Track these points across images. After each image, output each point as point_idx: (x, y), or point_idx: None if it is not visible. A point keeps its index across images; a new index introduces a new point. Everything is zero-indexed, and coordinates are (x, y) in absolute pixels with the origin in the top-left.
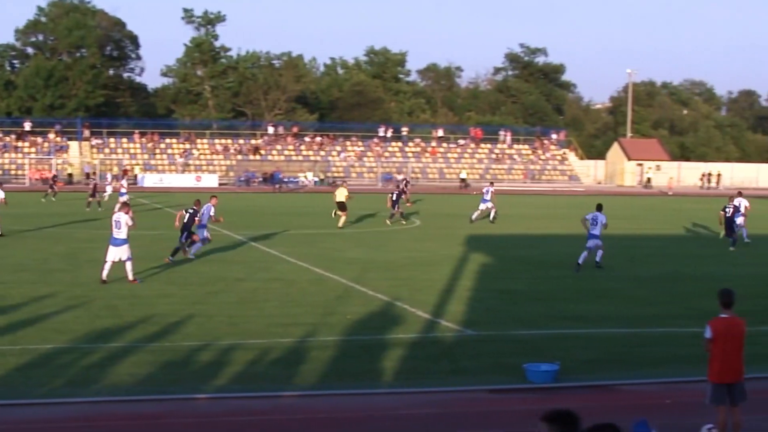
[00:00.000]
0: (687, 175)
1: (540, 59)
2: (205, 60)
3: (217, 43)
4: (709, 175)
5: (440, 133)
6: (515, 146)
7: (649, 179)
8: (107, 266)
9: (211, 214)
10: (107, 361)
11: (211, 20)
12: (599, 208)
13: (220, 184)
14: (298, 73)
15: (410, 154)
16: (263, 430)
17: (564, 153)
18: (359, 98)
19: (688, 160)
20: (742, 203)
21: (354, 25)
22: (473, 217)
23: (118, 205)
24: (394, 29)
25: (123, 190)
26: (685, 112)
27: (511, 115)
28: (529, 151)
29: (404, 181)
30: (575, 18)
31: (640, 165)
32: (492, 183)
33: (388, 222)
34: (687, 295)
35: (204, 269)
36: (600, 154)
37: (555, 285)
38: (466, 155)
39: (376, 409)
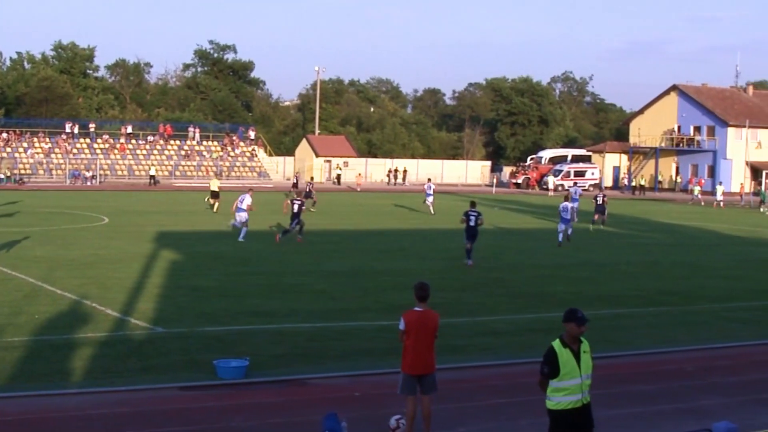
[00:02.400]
0: (374, 171)
1: (229, 56)
2: None
3: None
4: (396, 171)
5: (129, 129)
6: (205, 143)
7: (338, 175)
8: None
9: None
10: None
11: None
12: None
13: None
14: None
15: (99, 151)
16: None
17: (253, 149)
18: (46, 94)
19: (375, 156)
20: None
21: (41, 19)
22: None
23: None
24: (82, 24)
25: None
26: (372, 109)
27: (201, 111)
28: (219, 148)
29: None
30: (264, 15)
31: (329, 161)
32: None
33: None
34: (373, 289)
35: None
36: (289, 151)
37: (244, 281)
38: (156, 152)
39: (66, 410)
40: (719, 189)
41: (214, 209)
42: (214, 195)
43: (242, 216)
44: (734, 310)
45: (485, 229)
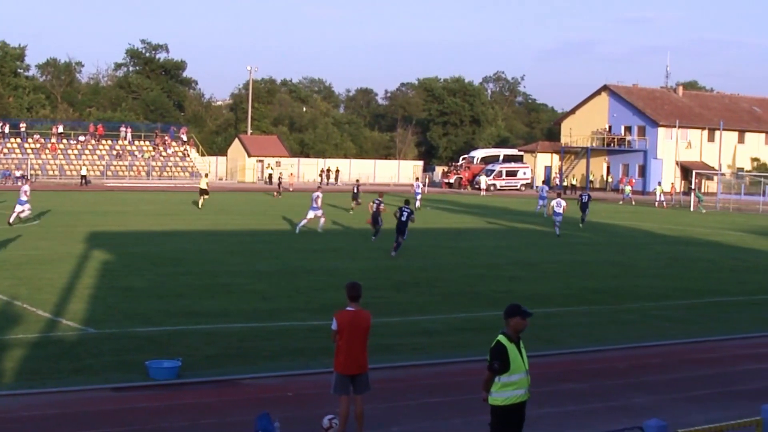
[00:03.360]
0: (307, 170)
1: (161, 55)
2: None
3: None
4: (328, 170)
5: (60, 129)
6: (136, 143)
7: (270, 175)
8: None
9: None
10: None
11: None
12: None
13: None
14: None
15: (29, 151)
16: None
17: (185, 149)
18: None
19: (307, 156)
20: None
21: None
22: (300, 225)
23: None
24: (13, 23)
25: None
26: (304, 109)
27: (132, 111)
28: (151, 148)
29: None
30: (197, 15)
31: (261, 161)
32: (319, 187)
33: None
34: (306, 289)
35: None
36: (221, 151)
37: (176, 281)
38: (87, 152)
39: None
40: (658, 189)
41: (200, 206)
42: (203, 192)
43: (316, 213)
44: (664, 308)
45: (419, 229)
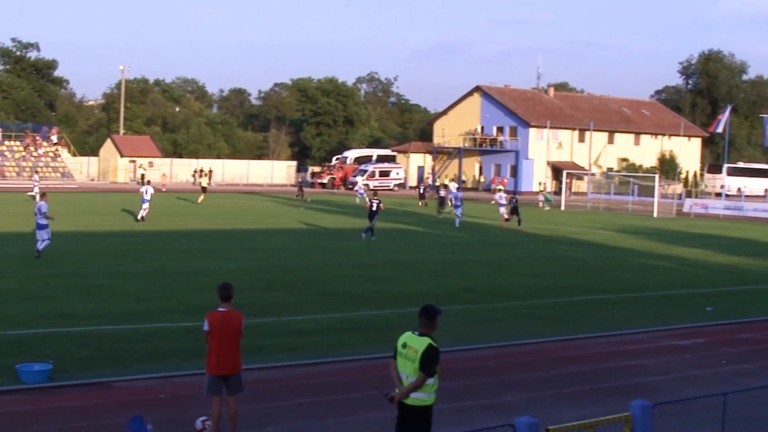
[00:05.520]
0: (180, 171)
1: (32, 54)
2: None
3: None
4: (201, 171)
5: None
6: (6, 143)
7: (143, 176)
8: None
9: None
10: None
11: None
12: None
13: None
14: None
15: None
16: None
17: (56, 149)
18: None
19: (180, 156)
20: None
21: None
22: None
23: None
24: None
25: None
26: (177, 109)
27: (3, 110)
28: (21, 148)
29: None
30: (68, 13)
31: (134, 162)
32: (149, 182)
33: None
34: (179, 290)
35: None
36: (93, 151)
37: (47, 283)
38: None
39: None
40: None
41: (199, 201)
42: (203, 190)
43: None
44: (535, 307)
45: (290, 229)
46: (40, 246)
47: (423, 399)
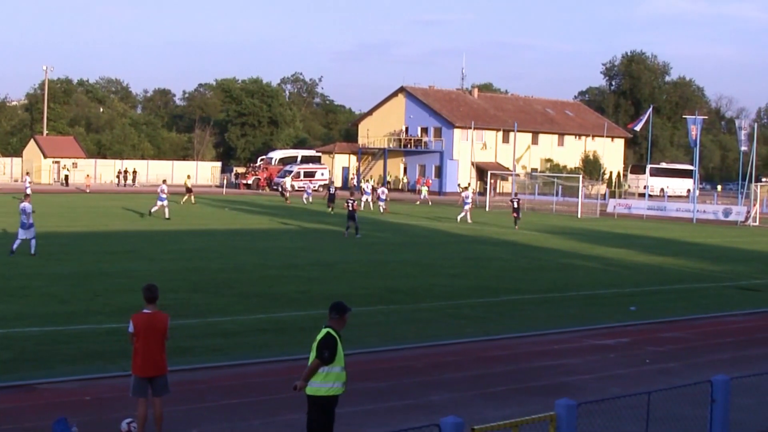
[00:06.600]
0: (104, 172)
1: None
2: None
3: None
4: (126, 172)
5: None
6: None
7: (66, 177)
8: None
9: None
10: None
11: None
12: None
13: None
14: None
15: None
16: None
17: None
18: None
19: (104, 157)
20: None
21: None
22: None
23: None
24: None
25: None
26: (101, 110)
27: None
28: None
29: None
30: None
31: (57, 162)
32: (164, 180)
33: None
34: (103, 292)
35: None
36: (16, 152)
37: None
38: None
39: None
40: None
41: (192, 201)
42: (188, 190)
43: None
44: (459, 307)
45: (215, 230)
46: (16, 245)
47: (316, 388)
